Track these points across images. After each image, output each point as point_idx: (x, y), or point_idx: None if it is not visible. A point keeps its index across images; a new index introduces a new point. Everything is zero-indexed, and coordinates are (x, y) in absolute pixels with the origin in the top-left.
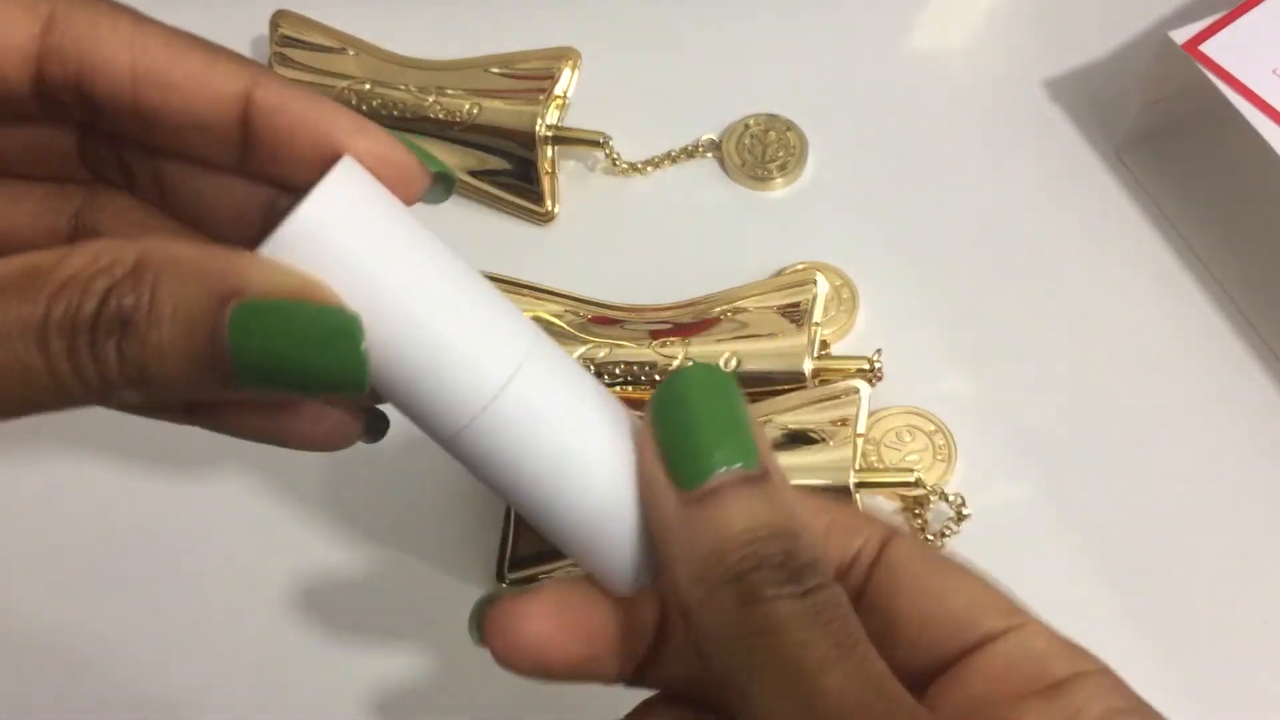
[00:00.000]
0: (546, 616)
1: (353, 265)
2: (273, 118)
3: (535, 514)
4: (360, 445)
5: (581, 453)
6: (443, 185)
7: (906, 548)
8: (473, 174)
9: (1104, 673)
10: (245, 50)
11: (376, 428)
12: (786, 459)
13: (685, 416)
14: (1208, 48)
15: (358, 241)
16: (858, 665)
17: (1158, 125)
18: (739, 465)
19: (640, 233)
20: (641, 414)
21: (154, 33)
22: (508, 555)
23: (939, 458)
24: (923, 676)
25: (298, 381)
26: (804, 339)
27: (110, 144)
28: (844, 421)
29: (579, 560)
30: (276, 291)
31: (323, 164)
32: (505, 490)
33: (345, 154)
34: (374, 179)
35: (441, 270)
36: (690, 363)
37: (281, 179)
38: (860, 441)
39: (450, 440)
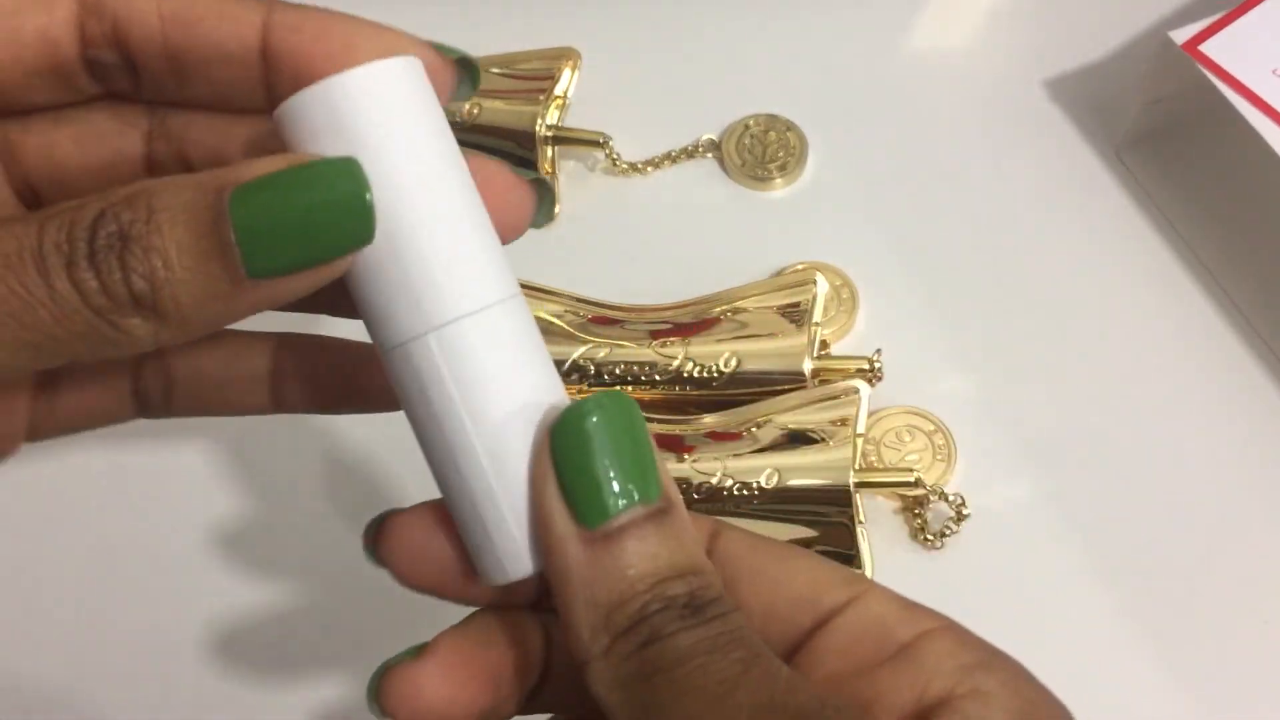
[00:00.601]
0: (445, 676)
1: (368, 139)
2: (292, 35)
3: (437, 458)
4: (350, 452)
5: (506, 418)
6: (469, 77)
7: (735, 540)
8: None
9: (948, 629)
10: None
11: None
12: (786, 459)
13: (587, 448)
14: (1208, 48)
15: (380, 125)
16: (763, 676)
17: (1158, 125)
18: (640, 501)
19: (640, 233)
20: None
21: None
22: None
23: (939, 458)
24: None
25: (307, 247)
26: (804, 339)
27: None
28: (844, 421)
29: (464, 533)
30: (266, 168)
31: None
32: (420, 426)
33: (408, 56)
34: (426, 84)
35: (453, 184)
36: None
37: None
38: (860, 441)
39: (392, 348)
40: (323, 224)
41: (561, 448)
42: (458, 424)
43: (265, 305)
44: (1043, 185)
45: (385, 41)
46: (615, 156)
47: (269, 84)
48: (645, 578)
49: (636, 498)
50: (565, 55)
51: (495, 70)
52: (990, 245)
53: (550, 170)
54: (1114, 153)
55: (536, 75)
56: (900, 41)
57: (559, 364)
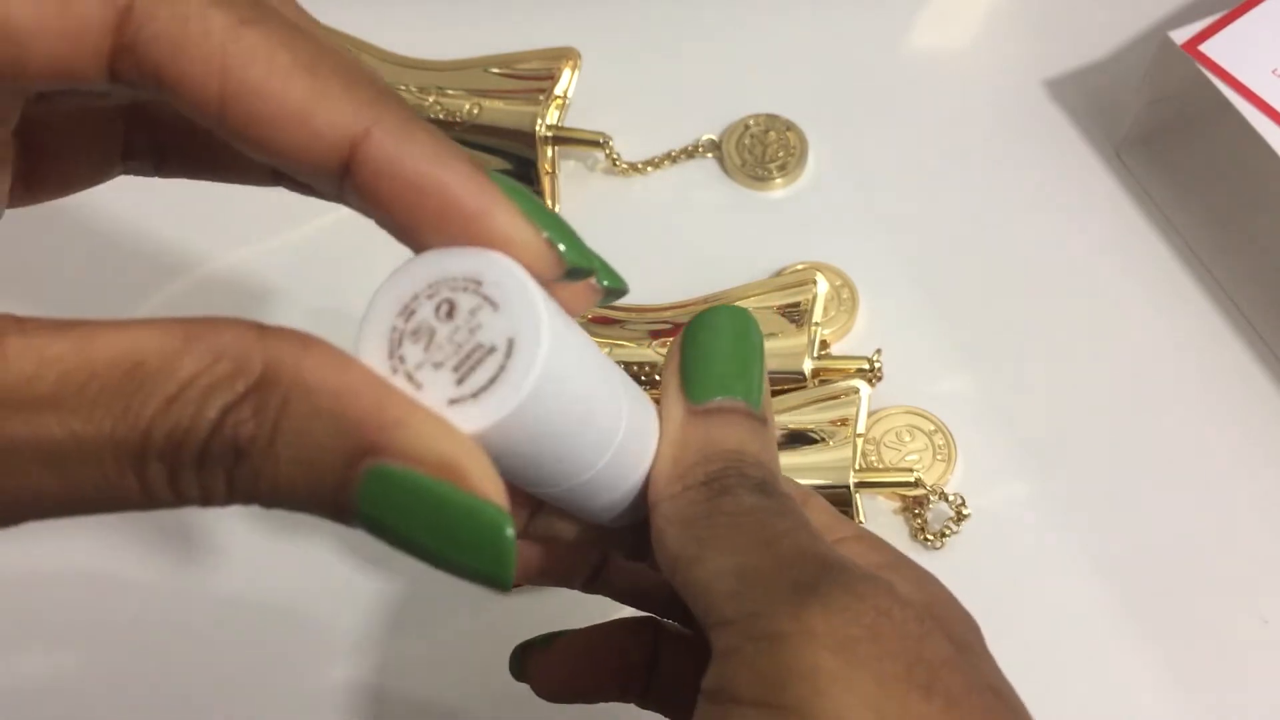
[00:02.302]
0: (565, 664)
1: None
2: (384, 176)
3: (590, 508)
4: None
5: (639, 460)
6: (611, 296)
7: None
8: None
9: (861, 537)
10: None
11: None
12: (786, 459)
13: (711, 345)
14: (1207, 48)
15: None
16: (808, 537)
17: (1158, 125)
18: (742, 398)
19: (640, 233)
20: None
21: (255, 42)
22: None
23: (939, 458)
24: None
25: (430, 560)
26: (804, 339)
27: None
28: (844, 421)
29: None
30: (422, 462)
31: (437, 232)
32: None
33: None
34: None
35: (584, 344)
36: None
37: (378, 219)
38: (860, 441)
39: (570, 489)
40: (455, 561)
41: (688, 335)
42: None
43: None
44: (1043, 185)
45: (505, 219)
46: (615, 156)
47: (339, 186)
48: (730, 454)
49: (739, 395)
50: (565, 55)
51: (495, 70)
52: (990, 245)
53: (550, 170)
54: (1114, 152)
55: (536, 75)
56: (900, 41)
57: None
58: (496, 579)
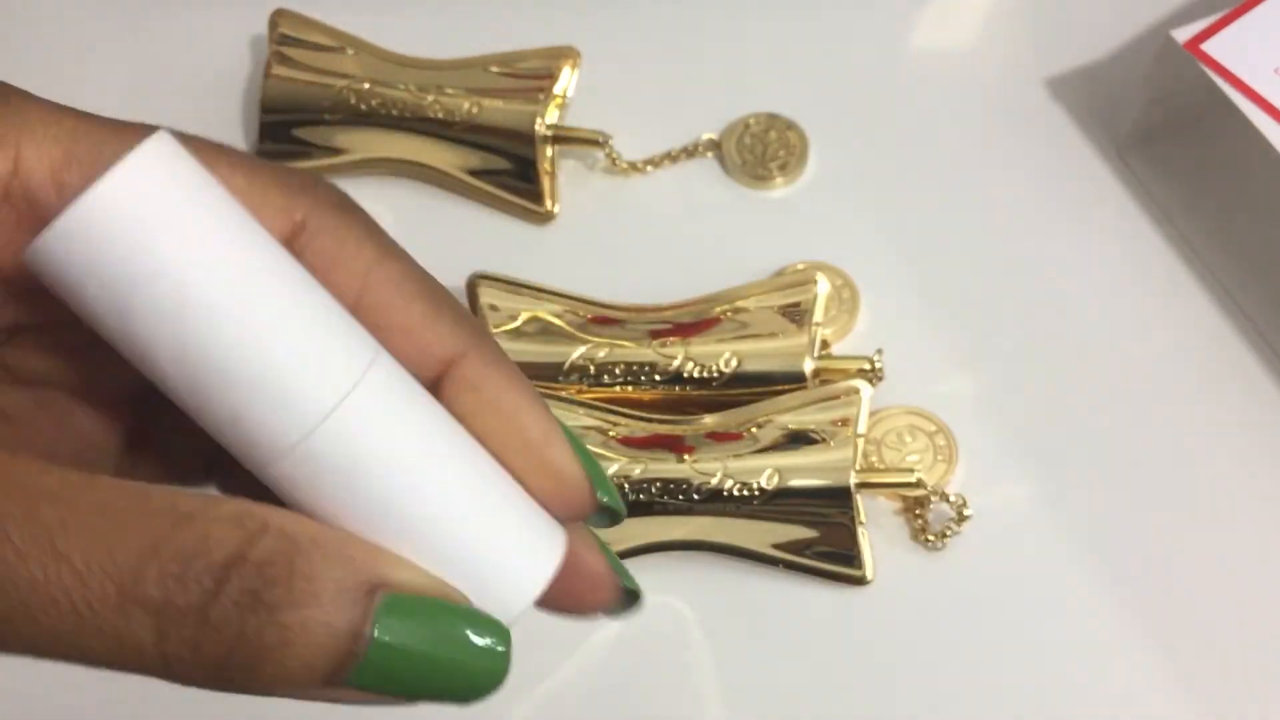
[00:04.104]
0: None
1: (162, 257)
2: (470, 391)
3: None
4: None
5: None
6: (607, 517)
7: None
8: (472, 174)
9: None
10: (245, 49)
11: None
12: (787, 459)
13: None
14: (1209, 47)
15: (170, 229)
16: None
17: (1159, 124)
18: None
19: (640, 233)
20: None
21: (391, 266)
22: None
23: (940, 458)
24: None
25: (424, 684)
26: (804, 339)
27: None
28: (845, 422)
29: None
30: (420, 589)
31: (501, 446)
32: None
33: (162, 131)
34: (188, 157)
35: (268, 264)
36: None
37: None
38: (861, 442)
39: (275, 461)
40: (456, 670)
41: None
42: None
43: (346, 699)
44: (1044, 184)
45: (552, 453)
46: (615, 156)
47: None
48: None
49: None
50: (565, 54)
51: (494, 69)
52: (991, 244)
53: (550, 169)
54: (1115, 152)
55: (536, 74)
56: (901, 40)
57: (559, 364)
58: (494, 680)
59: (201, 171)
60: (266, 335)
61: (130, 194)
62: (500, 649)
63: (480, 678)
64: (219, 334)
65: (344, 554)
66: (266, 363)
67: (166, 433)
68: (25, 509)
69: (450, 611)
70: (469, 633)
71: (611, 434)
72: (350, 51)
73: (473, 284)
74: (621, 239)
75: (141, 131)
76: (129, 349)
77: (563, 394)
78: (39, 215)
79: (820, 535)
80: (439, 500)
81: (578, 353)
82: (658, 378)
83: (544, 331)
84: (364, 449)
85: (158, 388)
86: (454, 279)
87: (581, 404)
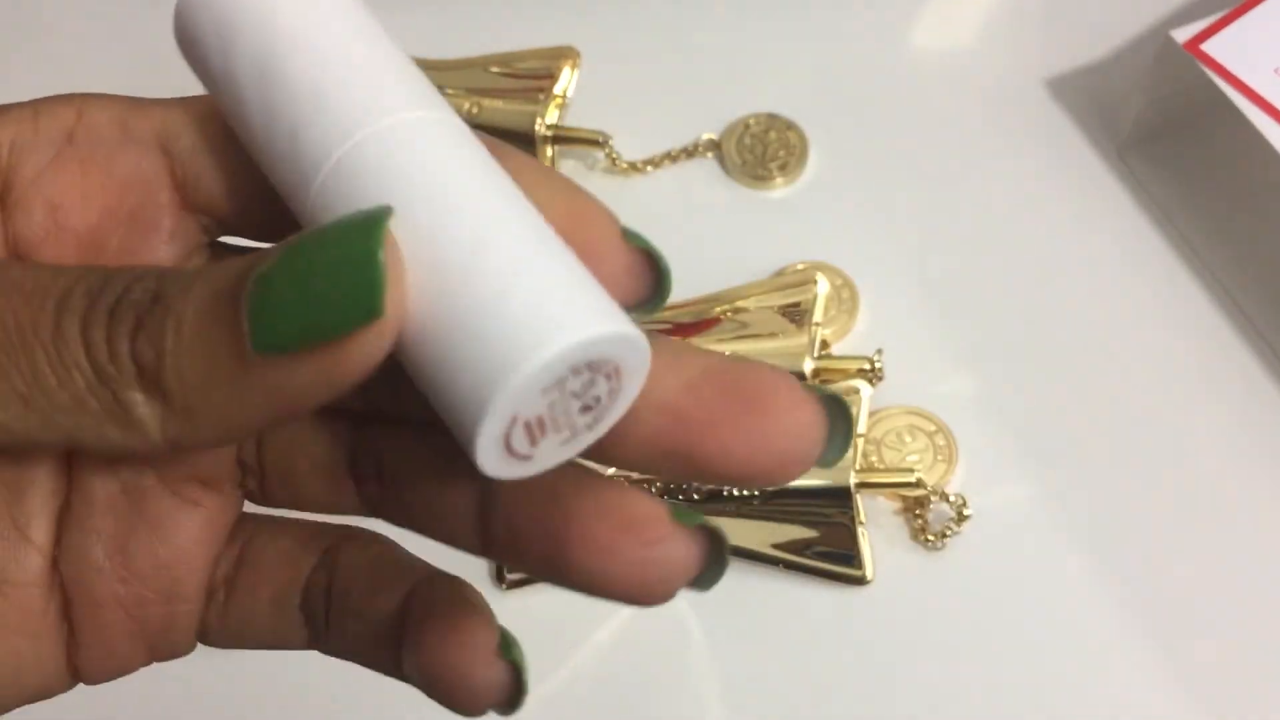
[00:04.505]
0: None
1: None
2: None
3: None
4: None
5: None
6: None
7: None
8: None
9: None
10: None
11: (715, 561)
12: None
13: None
14: (1209, 47)
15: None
16: None
17: (1159, 124)
18: None
19: (640, 232)
20: None
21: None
22: None
23: (940, 458)
24: None
25: (309, 314)
26: (804, 339)
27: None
28: None
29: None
30: (296, 238)
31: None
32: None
33: None
34: None
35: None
36: None
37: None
38: (861, 442)
39: (318, 171)
40: (326, 288)
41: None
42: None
43: (280, 403)
44: (1044, 184)
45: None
46: (615, 156)
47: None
48: None
49: None
50: (565, 54)
51: (495, 69)
52: (991, 245)
53: None
54: (1115, 152)
55: (536, 74)
56: (901, 40)
57: None
58: (366, 293)
59: None
60: (334, 62)
61: None
62: (365, 230)
63: (355, 263)
64: (293, 57)
65: (234, 261)
66: (332, 79)
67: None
68: None
69: (309, 234)
70: (323, 236)
71: None
72: None
73: None
74: None
75: (191, 101)
76: (225, 87)
77: None
78: (103, 152)
79: (820, 535)
80: (489, 234)
81: None
82: None
83: None
84: (408, 164)
85: (237, 125)
86: None
87: None
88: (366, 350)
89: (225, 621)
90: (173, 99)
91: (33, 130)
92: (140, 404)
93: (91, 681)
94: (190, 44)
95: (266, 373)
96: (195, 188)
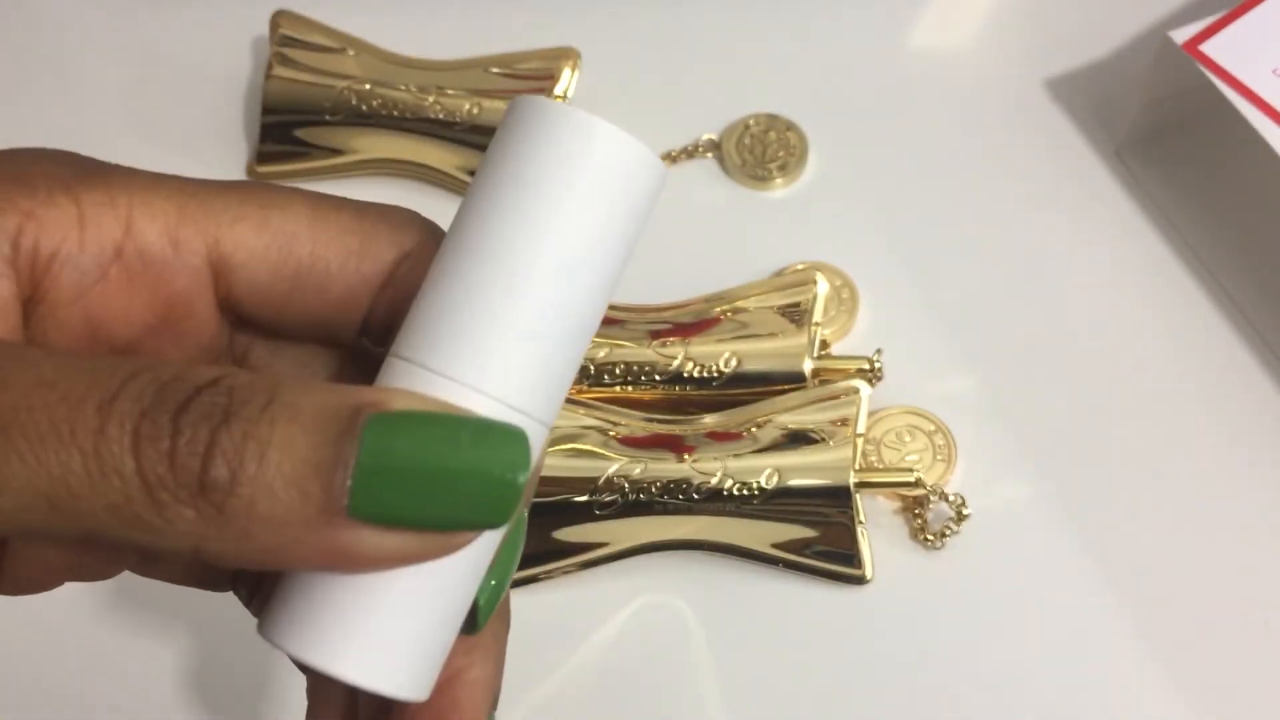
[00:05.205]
0: None
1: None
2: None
3: None
4: None
5: None
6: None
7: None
8: (473, 174)
9: None
10: (246, 49)
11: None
12: (787, 459)
13: None
14: (1208, 48)
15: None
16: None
17: (1158, 125)
18: None
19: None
20: None
21: None
22: None
23: (939, 458)
24: None
25: (430, 506)
26: (804, 339)
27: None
28: (844, 421)
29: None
30: (430, 409)
31: None
32: None
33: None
34: (650, 190)
35: (591, 302)
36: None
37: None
38: (860, 441)
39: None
40: (460, 490)
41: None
42: None
43: (344, 560)
44: (1043, 185)
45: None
46: None
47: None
48: None
49: None
50: (565, 55)
51: (495, 70)
52: (991, 245)
53: None
54: (1114, 152)
55: (536, 75)
56: (901, 41)
57: None
58: (499, 509)
59: None
60: (552, 283)
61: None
62: (509, 448)
63: (491, 486)
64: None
65: (328, 387)
66: (535, 306)
67: None
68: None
69: (446, 418)
70: (465, 435)
71: (611, 434)
72: (351, 52)
73: None
74: None
75: (246, 188)
76: (479, 185)
77: None
78: (154, 272)
79: (820, 535)
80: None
81: None
82: (658, 378)
83: None
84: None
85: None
86: None
87: (582, 404)
88: (468, 540)
89: None
90: (226, 191)
91: (78, 244)
92: (188, 519)
93: None
94: (503, 133)
95: (348, 532)
96: (240, 301)
